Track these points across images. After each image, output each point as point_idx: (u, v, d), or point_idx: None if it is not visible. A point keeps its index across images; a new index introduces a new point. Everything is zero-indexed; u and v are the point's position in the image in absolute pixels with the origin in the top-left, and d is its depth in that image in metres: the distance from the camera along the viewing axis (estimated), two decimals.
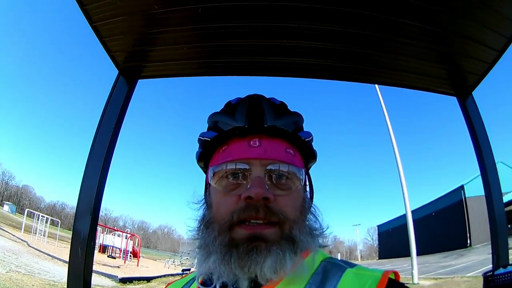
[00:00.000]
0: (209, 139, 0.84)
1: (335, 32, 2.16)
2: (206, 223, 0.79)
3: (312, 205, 0.85)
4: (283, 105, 0.87)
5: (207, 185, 0.87)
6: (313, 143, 0.90)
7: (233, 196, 0.76)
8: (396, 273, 0.73)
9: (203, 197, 0.88)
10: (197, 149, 0.90)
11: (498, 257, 2.43)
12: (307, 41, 2.24)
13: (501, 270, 2.38)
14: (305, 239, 0.75)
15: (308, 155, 0.88)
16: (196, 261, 0.80)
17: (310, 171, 0.93)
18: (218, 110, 0.88)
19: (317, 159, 0.91)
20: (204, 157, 0.88)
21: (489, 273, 2.45)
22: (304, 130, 0.88)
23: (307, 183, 0.89)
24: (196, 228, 0.83)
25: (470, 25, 2.10)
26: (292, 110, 0.88)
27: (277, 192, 0.75)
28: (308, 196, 0.87)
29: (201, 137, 0.86)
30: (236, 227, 0.73)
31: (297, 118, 0.86)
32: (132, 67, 2.53)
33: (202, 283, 0.80)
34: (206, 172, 0.89)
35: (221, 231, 0.74)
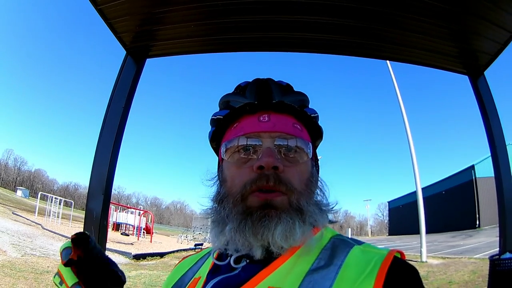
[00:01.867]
0: (221, 117, 0.88)
1: (347, 8, 2.13)
2: (221, 197, 0.83)
3: (320, 180, 0.88)
4: (289, 86, 0.91)
5: (220, 162, 0.91)
6: (319, 121, 0.92)
7: (246, 168, 0.79)
8: (401, 253, 0.75)
9: (216, 174, 0.91)
10: (210, 130, 0.94)
11: (506, 241, 2.42)
12: (318, 16, 2.21)
13: (508, 255, 2.36)
14: (313, 210, 0.79)
15: (315, 132, 0.92)
16: (211, 236, 0.84)
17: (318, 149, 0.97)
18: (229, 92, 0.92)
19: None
20: (217, 136, 0.92)
21: (496, 257, 2.43)
22: (310, 107, 0.91)
23: (315, 159, 0.92)
24: (211, 204, 0.87)
25: (483, 4, 2.06)
26: (297, 90, 0.91)
27: (286, 164, 0.79)
28: (316, 171, 0.90)
29: (213, 117, 0.91)
30: (249, 196, 0.76)
31: (303, 97, 0.90)
32: (139, 47, 2.53)
33: (217, 258, 0.84)
34: (217, 151, 0.94)
35: (235, 202, 0.78)
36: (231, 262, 0.78)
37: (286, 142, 0.80)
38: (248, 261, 0.77)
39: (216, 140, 0.93)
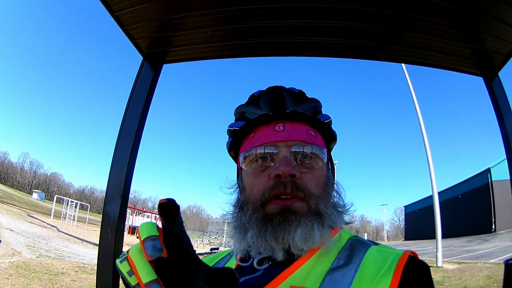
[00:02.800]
0: (238, 128, 0.93)
1: (360, 11, 2.13)
2: (241, 204, 0.88)
3: (336, 183, 0.92)
4: (301, 93, 0.95)
5: (239, 171, 0.97)
6: (332, 125, 0.96)
7: (264, 177, 0.84)
8: (415, 254, 0.80)
9: (236, 182, 0.97)
10: (227, 140, 0.98)
11: None
12: (331, 20, 2.22)
13: None
14: (331, 213, 0.83)
15: (329, 136, 0.96)
16: (233, 240, 0.88)
17: (333, 152, 1.00)
18: (243, 103, 0.97)
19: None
20: (234, 146, 0.97)
21: (511, 261, 2.41)
22: (323, 113, 0.95)
23: (330, 162, 0.96)
24: (232, 211, 0.92)
25: (496, 4, 2.05)
26: (310, 97, 0.95)
27: (302, 170, 0.83)
28: (331, 174, 0.94)
29: (230, 128, 0.95)
30: (268, 203, 0.81)
31: (316, 103, 0.94)
32: (156, 53, 2.56)
33: (241, 260, 0.89)
34: (236, 160, 0.98)
35: (255, 209, 0.82)
36: (255, 264, 0.83)
37: (302, 149, 0.85)
38: (270, 263, 0.81)
39: (234, 149, 0.98)
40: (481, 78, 2.64)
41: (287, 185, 0.79)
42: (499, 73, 2.58)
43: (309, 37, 2.40)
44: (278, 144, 0.85)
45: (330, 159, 0.96)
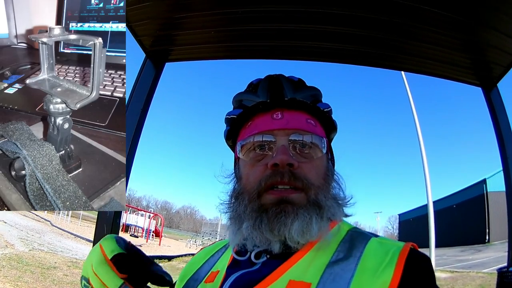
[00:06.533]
0: (235, 116, 0.90)
1: (362, 18, 2.15)
2: (237, 194, 0.85)
3: (336, 174, 0.90)
4: (301, 81, 0.91)
5: (236, 160, 0.94)
6: (332, 115, 0.93)
7: (260, 166, 0.81)
8: (415, 246, 0.77)
9: (233, 172, 0.93)
10: (225, 128, 0.95)
11: None
12: (335, 26, 2.24)
13: None
14: (331, 204, 0.80)
15: (329, 126, 0.93)
16: (229, 233, 0.86)
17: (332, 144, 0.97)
18: (241, 91, 0.94)
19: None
20: (232, 135, 0.94)
21: (504, 269, 2.42)
22: (323, 102, 0.91)
23: (330, 152, 0.93)
24: (227, 201, 0.88)
25: (497, 16, 2.07)
26: (310, 85, 0.92)
27: (301, 160, 0.80)
28: (331, 165, 0.92)
29: (227, 116, 0.92)
30: (264, 194, 0.78)
31: (315, 92, 0.90)
32: (159, 51, 2.58)
33: (237, 253, 0.85)
34: (234, 149, 0.95)
35: (251, 199, 0.79)
36: (252, 258, 0.79)
37: (301, 138, 0.82)
38: (268, 256, 0.78)
39: (231, 138, 0.95)
40: (480, 88, 2.66)
41: (285, 175, 0.76)
42: (498, 84, 2.61)
43: (312, 42, 2.41)
44: (276, 133, 0.82)
45: (330, 149, 0.94)
